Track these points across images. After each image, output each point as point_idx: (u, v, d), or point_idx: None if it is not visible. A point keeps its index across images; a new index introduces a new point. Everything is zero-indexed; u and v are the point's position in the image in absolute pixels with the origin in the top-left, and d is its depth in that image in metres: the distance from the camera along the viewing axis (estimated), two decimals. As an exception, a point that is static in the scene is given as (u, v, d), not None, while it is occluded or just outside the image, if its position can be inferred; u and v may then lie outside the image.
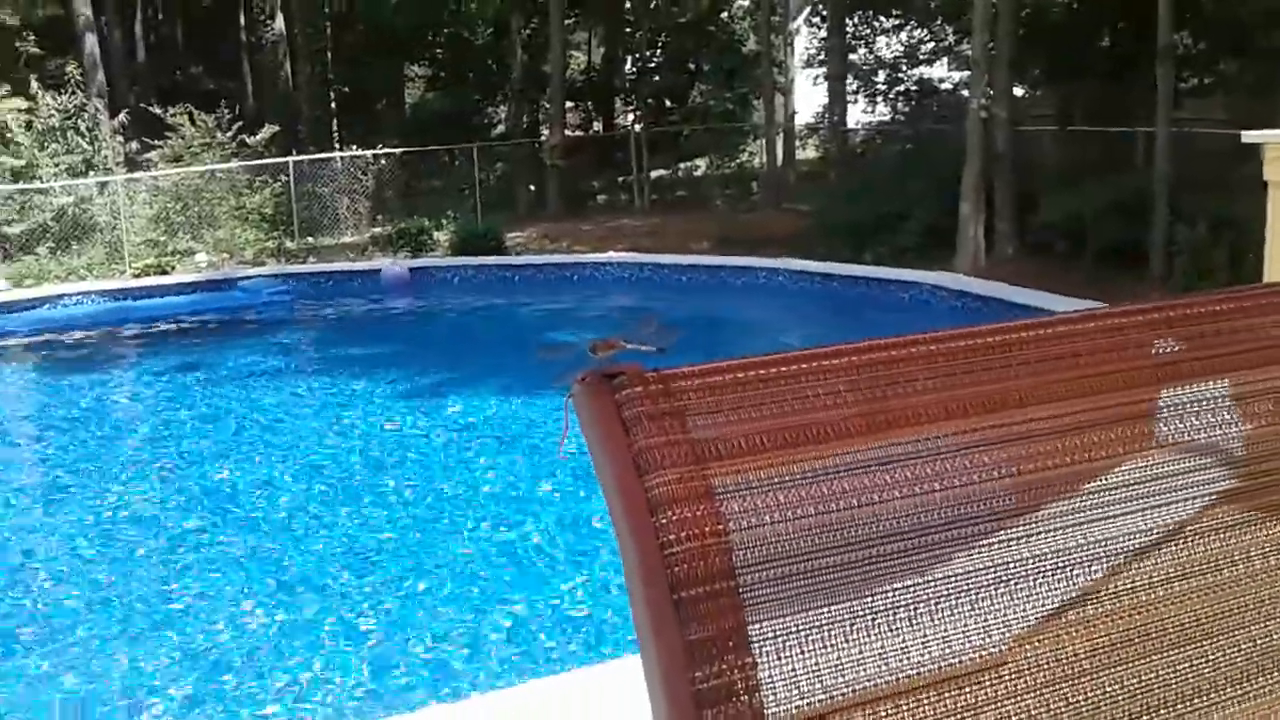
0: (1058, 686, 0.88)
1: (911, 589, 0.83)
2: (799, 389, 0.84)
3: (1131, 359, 0.96)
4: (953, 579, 0.85)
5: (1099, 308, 0.99)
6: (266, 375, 11.57)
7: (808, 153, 25.79)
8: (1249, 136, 5.28)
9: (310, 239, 19.24)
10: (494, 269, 16.85)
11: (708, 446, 0.80)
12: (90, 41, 21.77)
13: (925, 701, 0.83)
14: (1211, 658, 0.94)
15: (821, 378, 0.86)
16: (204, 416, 10.05)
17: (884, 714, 0.81)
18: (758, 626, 0.77)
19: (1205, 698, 0.93)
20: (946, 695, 0.84)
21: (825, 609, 0.80)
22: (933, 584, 0.84)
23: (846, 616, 0.81)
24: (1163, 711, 0.91)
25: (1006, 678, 0.87)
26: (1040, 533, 0.90)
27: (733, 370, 0.84)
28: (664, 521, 0.77)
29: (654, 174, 24.32)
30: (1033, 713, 0.86)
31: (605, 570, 6.02)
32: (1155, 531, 0.93)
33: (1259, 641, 0.96)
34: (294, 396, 10.71)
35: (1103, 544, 0.91)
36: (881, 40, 23.38)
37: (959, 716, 0.84)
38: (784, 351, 0.86)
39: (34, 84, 18.59)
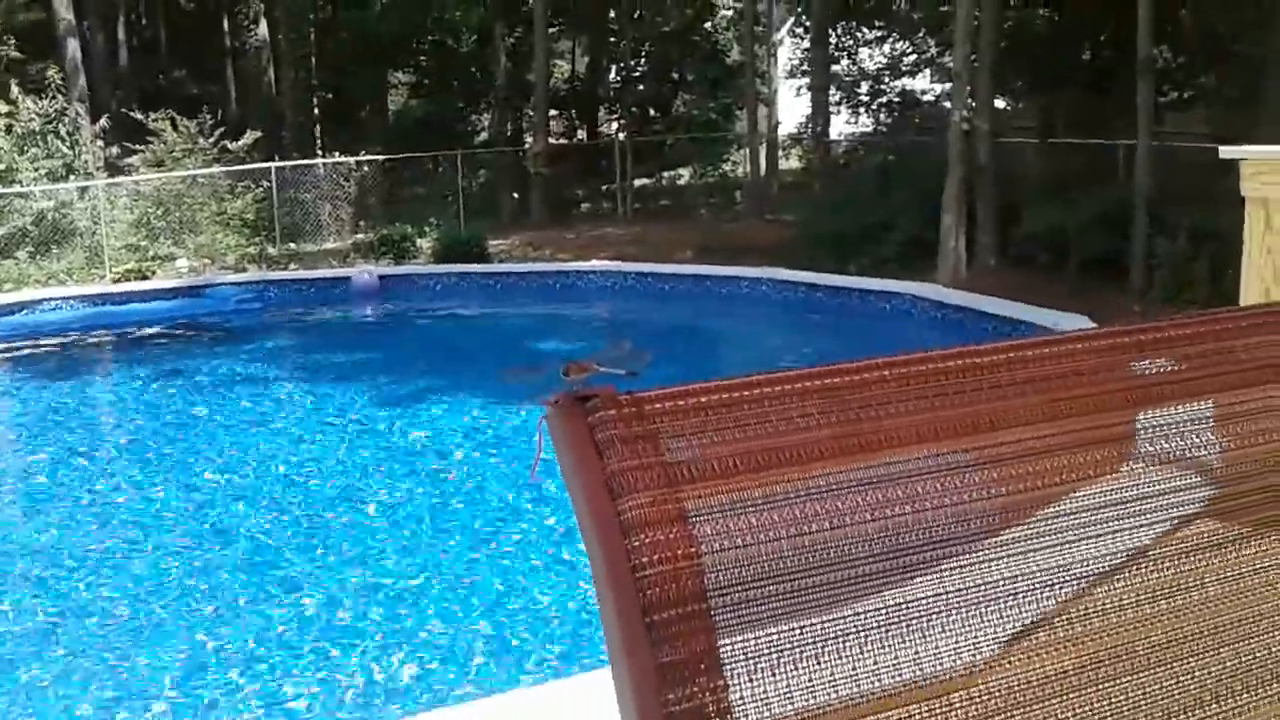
0: (1029, 708, 0.88)
1: (884, 611, 0.84)
2: (772, 411, 0.85)
3: (1105, 383, 0.96)
4: (925, 600, 0.86)
5: (1074, 331, 1.00)
6: (232, 383, 11.44)
7: (791, 163, 25.86)
8: (1226, 152, 5.31)
9: (293, 245, 19.16)
10: (476, 276, 16.82)
11: (681, 469, 0.80)
12: (72, 46, 21.65)
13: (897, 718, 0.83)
14: (1184, 679, 0.95)
15: (794, 400, 0.86)
16: (166, 424, 9.99)
17: (854, 738, 0.81)
18: (730, 648, 0.78)
19: (1177, 718, 0.94)
20: (918, 716, 0.84)
21: (798, 631, 0.80)
22: (905, 606, 0.85)
23: (819, 638, 0.81)
24: (1133, 733, 0.92)
25: (979, 698, 0.87)
26: (1013, 555, 0.90)
27: (706, 393, 0.84)
28: (636, 544, 0.77)
29: (638, 183, 24.34)
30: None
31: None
32: (1129, 553, 0.93)
33: (1230, 663, 0.96)
34: (261, 404, 10.61)
35: (1076, 566, 0.91)
36: (864, 52, 23.47)
37: (929, 739, 0.84)
38: (757, 373, 0.87)
39: (14, 88, 18.46)
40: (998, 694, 0.87)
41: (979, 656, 0.86)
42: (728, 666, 0.77)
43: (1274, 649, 0.99)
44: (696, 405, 0.83)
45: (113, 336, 14.08)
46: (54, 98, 18.63)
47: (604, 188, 24.84)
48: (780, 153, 24.94)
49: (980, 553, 0.89)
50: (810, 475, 0.83)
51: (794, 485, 0.82)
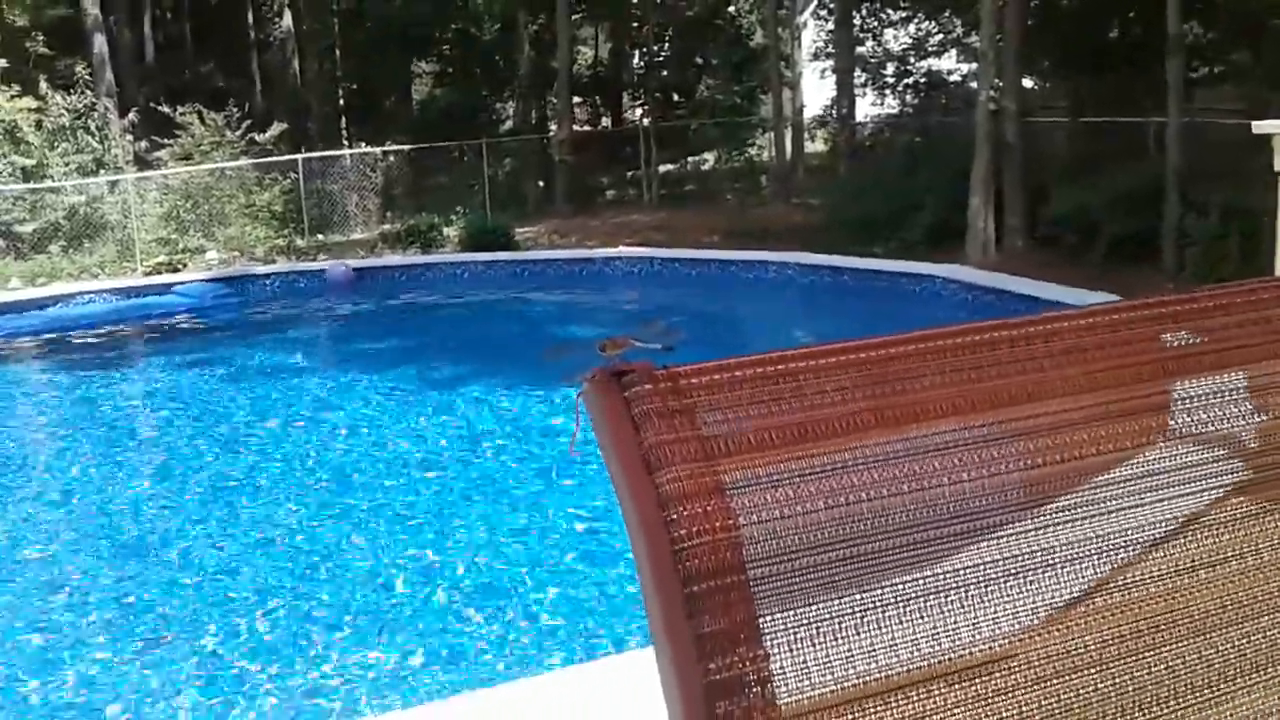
0: (1067, 678, 0.88)
1: (922, 582, 0.84)
2: (807, 385, 0.85)
3: (1140, 353, 0.96)
4: (963, 572, 0.86)
5: (1107, 303, 1.00)
6: (232, 376, 11.47)
7: (816, 146, 25.76)
8: (1260, 127, 5.27)
9: (320, 236, 19.29)
10: (503, 264, 16.86)
11: (717, 443, 0.81)
12: (99, 41, 21.84)
13: (937, 692, 0.83)
14: (1221, 649, 0.95)
15: (830, 374, 0.86)
16: (145, 422, 10.05)
17: (896, 704, 0.82)
18: (769, 619, 0.78)
19: (1214, 689, 0.94)
20: (958, 686, 0.85)
21: (837, 601, 0.81)
22: (943, 577, 0.85)
23: (858, 609, 0.82)
24: (1172, 703, 0.92)
25: (1017, 669, 0.88)
26: (1049, 526, 0.90)
27: (741, 367, 0.85)
28: (674, 517, 0.77)
29: (662, 169, 24.31)
30: (1043, 704, 0.87)
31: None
32: (1165, 524, 0.93)
33: (1268, 633, 0.96)
34: (271, 394, 10.66)
35: (1112, 537, 0.92)
36: (889, 33, 23.36)
37: (970, 707, 0.84)
38: (792, 348, 0.87)
39: (43, 84, 18.65)
40: (1036, 664, 0.87)
41: (1017, 627, 0.87)
42: (768, 636, 0.78)
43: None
44: (732, 379, 0.84)
45: (77, 338, 13.96)
46: (82, 93, 18.81)
47: (629, 174, 24.85)
48: (805, 136, 24.83)
49: (1018, 524, 0.89)
50: (846, 448, 0.84)
51: (830, 458, 0.83)
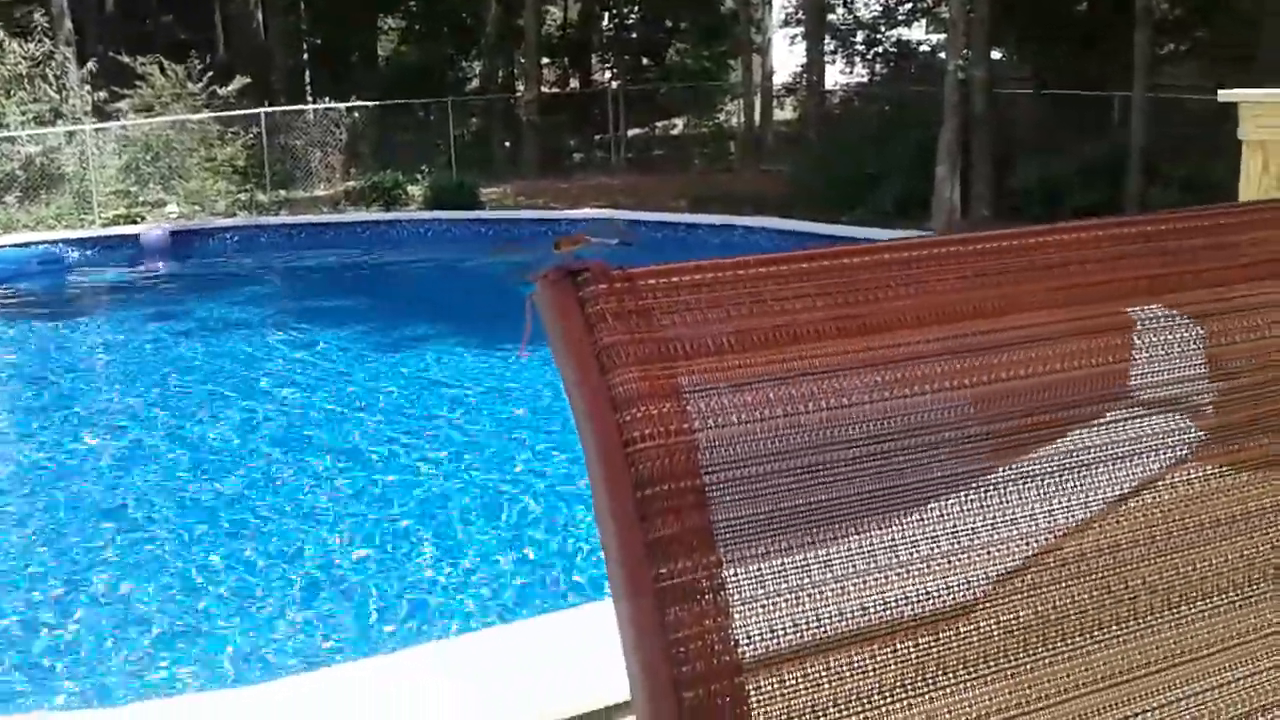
0: (1030, 592, 0.87)
1: (878, 492, 0.82)
2: (769, 291, 0.82)
3: (1109, 271, 0.94)
4: (919, 484, 0.84)
5: (1076, 222, 0.98)
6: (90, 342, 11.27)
7: (785, 113, 25.68)
8: (1225, 95, 5.28)
9: (283, 192, 19.04)
10: (468, 224, 16.72)
11: (674, 345, 0.78)
12: (58, -12, 21.33)
13: (889, 599, 0.81)
14: (1167, 573, 0.93)
15: (793, 281, 0.84)
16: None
17: (850, 611, 0.80)
18: (724, 525, 0.76)
19: (1155, 615, 0.93)
20: (913, 597, 0.83)
21: (794, 508, 0.79)
22: (899, 488, 0.83)
23: (815, 516, 0.79)
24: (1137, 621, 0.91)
25: (970, 580, 0.86)
26: (1008, 443, 0.88)
27: (701, 270, 0.82)
28: (627, 419, 0.75)
29: (631, 133, 24.17)
30: (1000, 614, 0.85)
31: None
32: (1128, 443, 0.92)
33: (1228, 555, 0.95)
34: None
35: (1072, 454, 0.90)
36: (860, 0, 23.30)
37: (933, 621, 0.83)
38: (754, 255, 0.84)
39: (0, 31, 18.23)
40: (993, 577, 0.86)
41: (974, 541, 0.85)
42: (721, 542, 0.75)
43: (1266, 546, 0.98)
44: (691, 283, 0.81)
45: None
46: (40, 41, 18.40)
47: (597, 137, 24.68)
48: (774, 103, 24.76)
49: (977, 438, 0.87)
50: (807, 355, 0.81)
51: (791, 365, 0.80)
